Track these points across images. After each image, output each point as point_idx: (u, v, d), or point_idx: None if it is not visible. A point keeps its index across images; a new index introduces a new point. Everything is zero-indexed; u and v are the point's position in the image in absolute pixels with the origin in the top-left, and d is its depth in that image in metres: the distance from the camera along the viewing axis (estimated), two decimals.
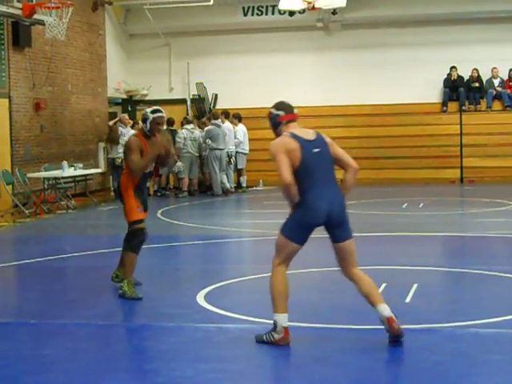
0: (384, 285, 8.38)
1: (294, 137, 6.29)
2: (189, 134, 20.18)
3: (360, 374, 5.65)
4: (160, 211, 16.67)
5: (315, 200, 6.24)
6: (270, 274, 6.37)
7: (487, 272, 9.11)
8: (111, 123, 20.61)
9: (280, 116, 6.44)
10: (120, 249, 8.62)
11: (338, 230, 6.33)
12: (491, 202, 17.13)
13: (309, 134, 6.40)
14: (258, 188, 22.27)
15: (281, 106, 6.53)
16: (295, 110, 6.52)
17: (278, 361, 6.07)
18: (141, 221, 8.35)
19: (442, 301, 8.06)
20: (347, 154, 6.51)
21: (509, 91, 22.93)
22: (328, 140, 6.47)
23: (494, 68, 23.00)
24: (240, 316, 7.33)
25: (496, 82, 23.09)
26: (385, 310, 6.25)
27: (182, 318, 7.37)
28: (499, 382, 5.47)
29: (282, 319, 6.28)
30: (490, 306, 7.56)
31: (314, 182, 6.25)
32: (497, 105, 23.05)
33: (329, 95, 23.53)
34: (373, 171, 22.78)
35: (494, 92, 22.81)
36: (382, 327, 6.27)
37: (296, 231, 6.30)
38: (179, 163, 19.55)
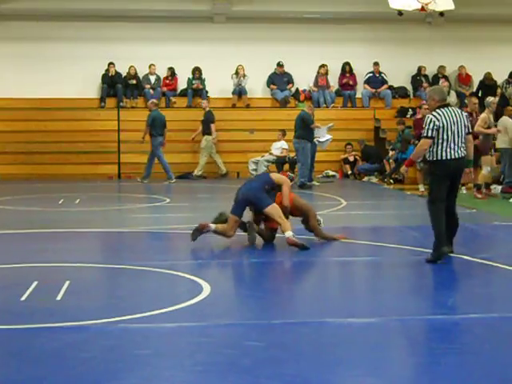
0: (35, 283, 8.17)
1: None
2: None
3: None
4: None
5: None
6: None
7: (141, 268, 9.18)
8: None
9: None
10: None
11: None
12: (147, 198, 17.45)
13: None
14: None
15: None
16: None
17: None
18: None
19: (94, 297, 7.99)
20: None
21: (165, 89, 23.62)
22: None
23: (152, 65, 23.55)
24: None
25: (152, 78, 23.67)
26: None
27: None
28: (146, 376, 5.52)
29: None
30: (141, 302, 7.61)
31: None
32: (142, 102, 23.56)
33: None
34: (29, 166, 22.42)
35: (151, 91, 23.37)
36: None
37: None
38: None
